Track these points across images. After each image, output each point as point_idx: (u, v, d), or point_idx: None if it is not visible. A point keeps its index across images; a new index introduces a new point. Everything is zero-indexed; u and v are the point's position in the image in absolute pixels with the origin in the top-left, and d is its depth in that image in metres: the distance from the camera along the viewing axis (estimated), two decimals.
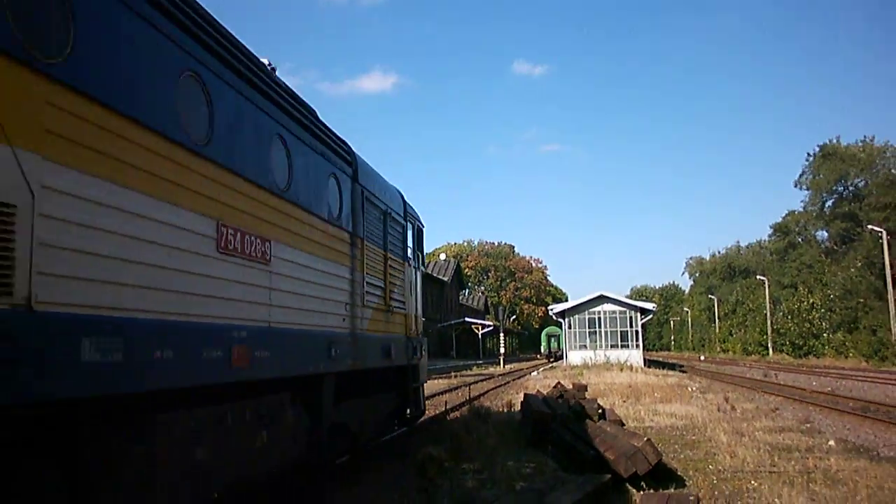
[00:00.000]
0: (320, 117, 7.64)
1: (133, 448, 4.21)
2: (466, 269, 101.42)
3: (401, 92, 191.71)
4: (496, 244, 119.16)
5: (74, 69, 3.61)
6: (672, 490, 7.58)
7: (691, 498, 6.19)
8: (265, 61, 5.42)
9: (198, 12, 4.97)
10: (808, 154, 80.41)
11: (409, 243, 11.50)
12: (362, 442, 9.35)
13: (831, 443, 11.39)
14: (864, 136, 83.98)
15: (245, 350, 5.26)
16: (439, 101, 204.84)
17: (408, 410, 11.43)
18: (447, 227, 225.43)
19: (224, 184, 5.17)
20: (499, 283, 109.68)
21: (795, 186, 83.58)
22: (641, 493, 7.35)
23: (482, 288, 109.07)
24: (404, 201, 11.30)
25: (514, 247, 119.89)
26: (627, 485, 7.92)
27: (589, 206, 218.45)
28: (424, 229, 12.87)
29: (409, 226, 11.54)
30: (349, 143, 8.61)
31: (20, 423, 3.51)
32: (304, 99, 7.13)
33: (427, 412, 14.41)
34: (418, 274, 12.11)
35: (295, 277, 6.39)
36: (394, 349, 9.84)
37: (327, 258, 7.36)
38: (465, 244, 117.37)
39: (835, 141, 77.44)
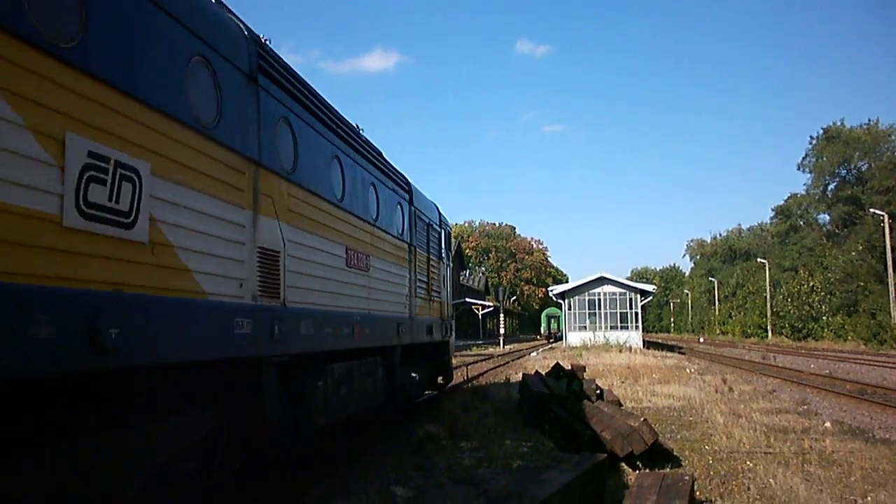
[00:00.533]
0: (387, 157, 10.34)
1: (314, 382, 7.01)
2: (467, 250, 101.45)
3: (402, 71, 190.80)
4: (497, 225, 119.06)
5: (298, 175, 6.61)
6: (668, 469, 7.63)
7: (686, 477, 6.22)
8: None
9: (342, 122, 8.17)
10: (812, 137, 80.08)
11: (442, 245, 14.34)
12: (412, 398, 12.12)
13: (827, 424, 11.44)
14: (869, 119, 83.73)
15: (360, 328, 8.17)
16: (441, 81, 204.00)
17: (440, 378, 14.29)
18: (448, 207, 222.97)
19: (349, 222, 8.10)
20: (499, 263, 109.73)
21: (798, 169, 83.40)
22: (637, 472, 7.40)
23: (483, 269, 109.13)
24: (439, 212, 14.20)
25: (514, 228, 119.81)
26: (624, 464, 7.98)
27: (590, 187, 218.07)
28: (451, 231, 16.17)
29: (443, 231, 14.42)
30: (406, 176, 11.50)
31: (272, 365, 5.99)
32: (373, 142, 9.71)
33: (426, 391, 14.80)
34: (448, 269, 14.88)
35: (380, 279, 9.34)
36: (434, 328, 12.75)
37: (396, 263, 10.34)
38: (466, 225, 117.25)
39: (839, 124, 77.05)
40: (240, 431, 5.68)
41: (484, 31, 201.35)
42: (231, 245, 5.25)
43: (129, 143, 4.06)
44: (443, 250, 14.34)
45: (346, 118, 8.47)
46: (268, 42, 6.02)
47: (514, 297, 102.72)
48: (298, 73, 6.98)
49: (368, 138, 9.48)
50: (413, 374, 11.60)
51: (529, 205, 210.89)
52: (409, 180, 11.63)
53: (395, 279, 10.21)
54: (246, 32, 5.85)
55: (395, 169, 10.71)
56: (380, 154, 9.91)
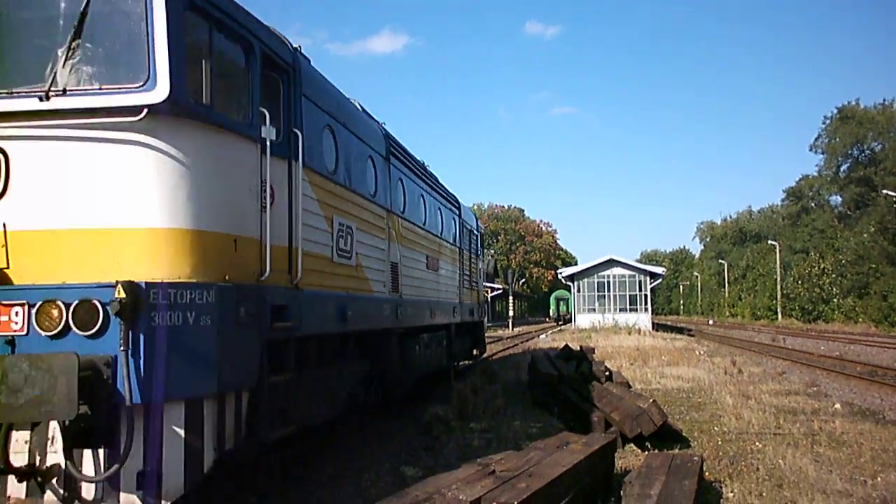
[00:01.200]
0: (442, 181, 13.66)
1: (413, 345, 10.56)
2: None
3: (411, 53, 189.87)
4: (506, 207, 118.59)
5: (405, 212, 10.17)
6: (677, 450, 7.65)
7: (695, 458, 6.23)
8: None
9: (425, 170, 12.07)
10: (826, 117, 79.17)
11: (479, 245, 18.17)
12: (458, 363, 15.78)
13: (837, 406, 11.43)
14: (884, 100, 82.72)
15: (433, 311, 11.72)
16: (450, 62, 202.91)
17: (475, 351, 17.62)
18: (456, 189, 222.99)
19: (428, 239, 11.67)
20: (508, 246, 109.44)
21: (810, 150, 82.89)
22: (646, 453, 7.42)
23: (491, 251, 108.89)
24: (476, 219, 18.12)
25: (523, 210, 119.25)
26: (633, 445, 8.00)
27: (600, 169, 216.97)
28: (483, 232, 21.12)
29: (478, 235, 18.17)
30: (458, 199, 15.15)
31: (396, 334, 9.27)
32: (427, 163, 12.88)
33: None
34: (481, 263, 18.72)
35: (444, 276, 12.88)
36: (474, 311, 16.35)
37: (451, 263, 13.86)
38: (475, 207, 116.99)
39: (854, 104, 76.16)
40: (378, 374, 8.92)
41: (493, 12, 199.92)
42: (380, 262, 8.69)
43: (350, 215, 7.50)
44: (479, 249, 18.36)
45: (426, 165, 12.48)
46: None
47: (523, 280, 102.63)
48: (404, 145, 10.66)
49: (434, 172, 13.15)
50: (459, 345, 15.16)
51: (539, 187, 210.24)
52: (458, 198, 15.28)
53: (451, 275, 13.84)
54: (382, 132, 9.52)
55: (450, 193, 14.52)
56: (441, 184, 13.52)
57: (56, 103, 4.49)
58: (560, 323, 63.63)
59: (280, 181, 5.80)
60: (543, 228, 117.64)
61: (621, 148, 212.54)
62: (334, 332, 7.01)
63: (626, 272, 42.83)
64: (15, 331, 4.36)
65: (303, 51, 6.66)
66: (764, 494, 6.04)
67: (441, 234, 12.81)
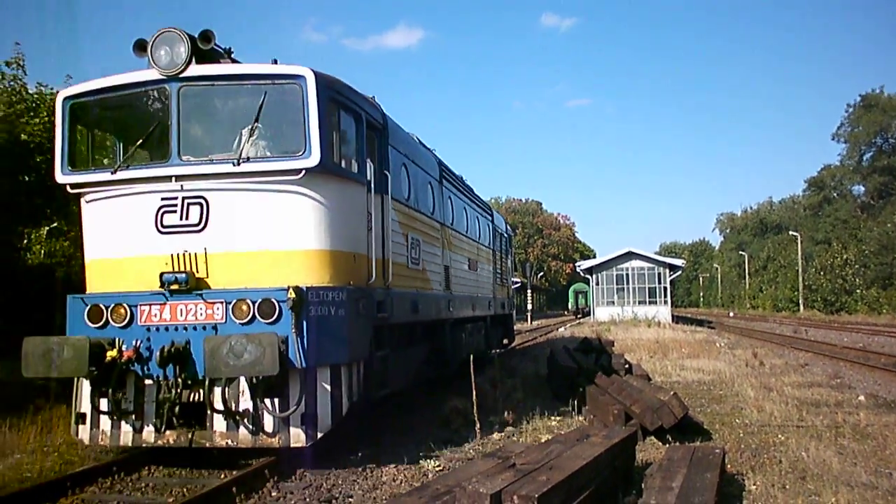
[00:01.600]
0: (483, 198, 16.87)
1: (460, 332, 12.92)
2: None
3: (426, 48, 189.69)
4: (523, 201, 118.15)
5: (453, 224, 12.64)
6: (698, 443, 7.60)
7: (717, 450, 6.18)
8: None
9: (467, 187, 14.51)
10: (849, 105, 77.97)
11: (508, 246, 20.62)
12: (492, 349, 17.72)
13: (861, 398, 11.29)
14: None
15: (474, 304, 13.80)
16: (465, 57, 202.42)
17: (505, 340, 20.05)
18: (474, 183, 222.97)
19: (469, 244, 13.79)
20: (526, 239, 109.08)
21: (833, 139, 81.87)
22: (667, 445, 7.38)
23: None
24: (506, 222, 20.66)
25: (541, 203, 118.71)
26: (653, 438, 7.97)
27: (618, 161, 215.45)
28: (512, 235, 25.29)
29: (508, 237, 20.66)
30: (490, 206, 17.92)
31: (447, 323, 11.84)
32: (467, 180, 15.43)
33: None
34: (510, 261, 21.16)
35: (482, 275, 15.15)
36: (505, 305, 18.68)
37: (487, 263, 16.19)
38: (493, 200, 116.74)
39: (878, 91, 74.95)
40: (436, 354, 11.08)
41: (508, 5, 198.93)
42: (437, 266, 10.94)
43: (418, 231, 9.78)
44: (509, 249, 20.70)
45: (464, 179, 14.55)
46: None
47: (542, 273, 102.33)
48: (450, 167, 12.97)
49: (472, 186, 15.26)
50: (495, 334, 17.89)
51: (556, 180, 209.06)
52: (491, 206, 17.82)
53: (487, 274, 16.14)
54: (436, 160, 11.82)
55: (484, 202, 16.99)
56: (477, 195, 15.75)
57: (243, 167, 6.82)
58: (579, 316, 63.39)
59: (377, 210, 8.06)
60: (561, 221, 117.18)
61: (639, 140, 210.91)
62: (411, 321, 9.46)
63: (646, 264, 42.58)
64: (217, 320, 6.70)
65: (377, 100, 8.92)
66: (787, 487, 5.98)
67: (479, 239, 15.28)
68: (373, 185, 7.79)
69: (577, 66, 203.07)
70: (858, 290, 59.04)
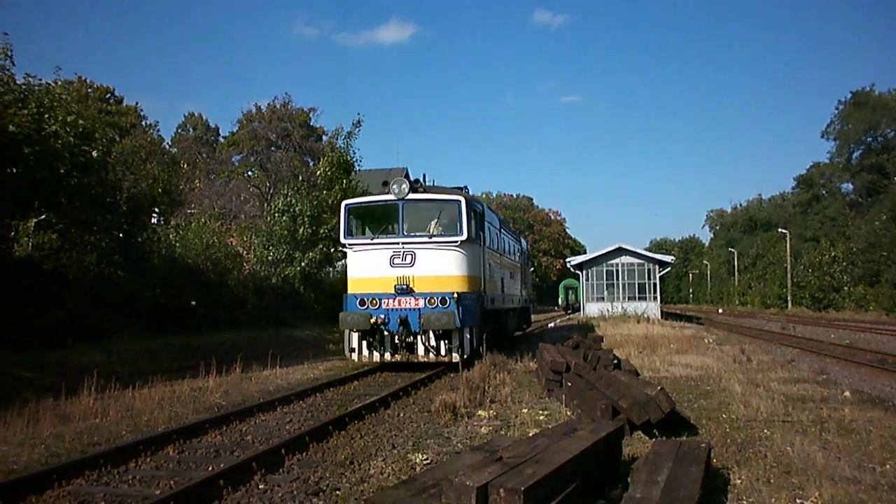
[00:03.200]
0: (509, 226, 27.32)
1: (506, 316, 21.50)
2: None
3: (418, 43, 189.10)
4: (514, 196, 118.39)
5: (498, 249, 20.07)
6: (685, 438, 7.65)
7: (703, 445, 6.22)
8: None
9: (505, 224, 24.70)
10: (839, 101, 78.21)
11: (527, 258, 28.79)
12: (517, 332, 26.03)
13: (846, 394, 11.39)
14: None
15: (512, 300, 22.61)
16: (458, 53, 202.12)
17: (524, 326, 28.77)
18: (465, 178, 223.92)
19: (507, 260, 22.01)
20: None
21: (822, 137, 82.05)
22: (654, 440, 7.42)
23: None
24: (525, 240, 30.48)
25: (532, 199, 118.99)
26: (640, 432, 8.01)
27: (609, 158, 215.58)
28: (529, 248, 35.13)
29: (527, 252, 28.98)
30: (517, 233, 30.67)
31: (507, 312, 21.92)
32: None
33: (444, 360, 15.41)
34: (530, 270, 31.41)
35: (514, 281, 23.78)
36: (526, 299, 27.67)
37: (516, 273, 24.52)
38: (484, 196, 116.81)
39: (868, 89, 75.27)
40: (497, 327, 19.06)
41: (501, 1, 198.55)
42: (498, 278, 19.48)
43: (493, 261, 18.64)
44: (528, 261, 31.00)
45: (504, 220, 23.03)
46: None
47: (532, 269, 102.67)
48: (501, 217, 22.66)
49: (507, 223, 24.08)
50: (519, 320, 26.18)
51: (547, 176, 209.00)
52: (517, 232, 27.23)
53: (517, 280, 24.55)
54: (498, 217, 21.66)
55: (516, 231, 28.02)
56: (511, 229, 24.17)
57: (433, 239, 15.08)
58: (569, 311, 63.58)
59: (481, 255, 16.30)
60: (552, 217, 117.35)
61: (630, 136, 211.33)
62: (491, 309, 17.68)
63: (635, 261, 42.69)
64: (420, 306, 14.51)
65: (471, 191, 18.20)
66: (772, 481, 6.03)
67: (513, 258, 23.69)
68: (480, 244, 16.43)
69: (569, 63, 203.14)
70: (846, 288, 59.44)
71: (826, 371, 14.86)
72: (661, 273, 43.16)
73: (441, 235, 15.08)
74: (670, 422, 8.11)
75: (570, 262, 47.87)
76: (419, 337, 14.65)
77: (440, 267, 14.87)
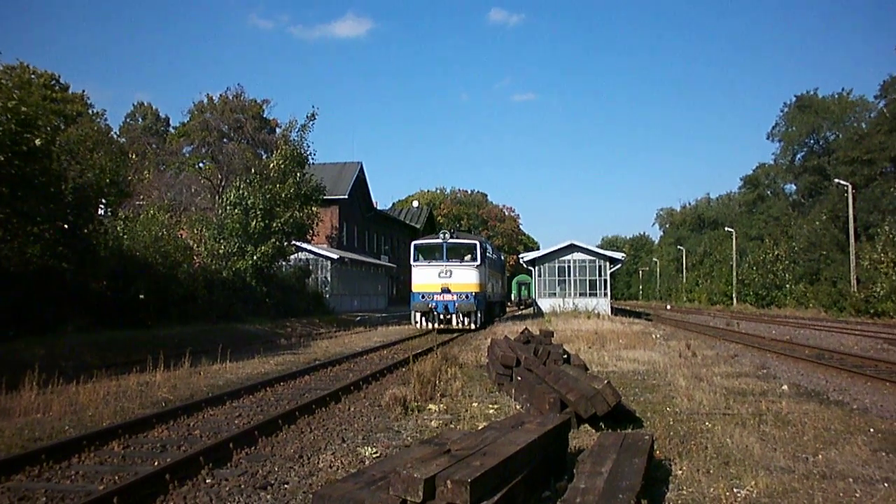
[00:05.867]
0: (492, 245, 41.24)
1: (494, 306, 35.26)
2: (439, 217, 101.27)
3: (375, 39, 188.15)
4: (469, 192, 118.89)
5: (492, 267, 34.34)
6: (629, 430, 7.84)
7: (646, 437, 6.41)
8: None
9: (495, 249, 41.03)
10: (785, 104, 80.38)
11: (503, 266, 44.22)
12: (496, 318, 35.05)
13: (784, 387, 11.80)
14: (843, 89, 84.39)
15: (496, 295, 36.03)
16: (414, 49, 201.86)
17: (501, 313, 39.53)
18: (420, 174, 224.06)
19: (496, 272, 35.81)
20: (471, 231, 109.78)
21: (768, 138, 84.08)
22: (600, 432, 7.59)
23: None
24: (501, 253, 49.85)
25: (486, 195, 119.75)
26: (587, 425, 8.18)
27: (562, 156, 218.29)
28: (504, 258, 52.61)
29: (503, 261, 45.25)
30: (497, 249, 47.92)
31: (495, 303, 36.14)
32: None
33: (394, 357, 16.49)
34: (504, 274, 44.69)
35: (497, 284, 37.15)
36: (503, 296, 42.46)
37: (499, 278, 38.06)
38: (438, 192, 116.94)
39: (812, 93, 77.52)
40: (491, 312, 32.36)
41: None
42: (491, 284, 31.93)
43: (490, 275, 31.63)
44: (503, 267, 43.67)
45: (494, 248, 39.00)
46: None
47: None
48: (492, 246, 37.13)
49: (495, 247, 41.92)
50: (497, 310, 36.35)
51: (502, 172, 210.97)
52: (499, 251, 44.81)
53: (499, 283, 37.88)
54: (491, 244, 36.33)
55: (497, 250, 43.90)
56: (496, 250, 40.98)
57: (462, 263, 27.06)
58: (521, 307, 64.16)
59: (486, 271, 29.07)
60: (506, 213, 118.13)
61: (583, 135, 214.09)
62: (489, 301, 30.47)
63: (587, 257, 43.28)
64: (454, 300, 26.34)
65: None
66: (711, 471, 6.24)
67: (497, 270, 35.66)
68: (484, 265, 28.11)
69: (523, 62, 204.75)
70: (788, 285, 61.32)
71: (766, 366, 15.35)
72: (612, 270, 43.85)
73: (467, 261, 27.12)
74: (616, 415, 8.30)
75: (523, 258, 48.27)
76: (454, 315, 26.33)
77: (465, 278, 26.76)
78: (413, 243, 28.45)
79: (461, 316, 26.09)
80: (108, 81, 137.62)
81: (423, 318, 26.40)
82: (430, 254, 27.37)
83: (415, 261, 27.41)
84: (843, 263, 51.21)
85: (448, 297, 26.12)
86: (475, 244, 27.87)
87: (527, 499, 5.18)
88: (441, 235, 27.69)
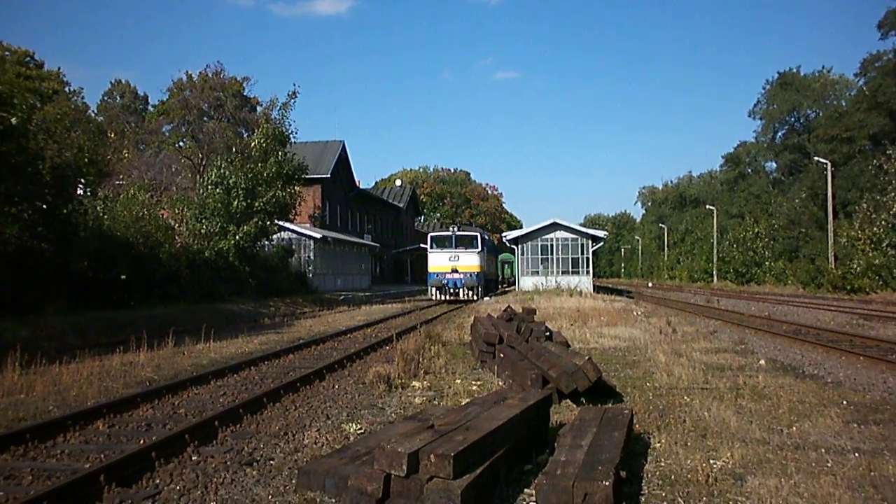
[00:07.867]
0: (486, 233, 48.55)
1: (490, 283, 47.05)
2: (422, 196, 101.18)
3: (356, 16, 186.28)
4: (452, 171, 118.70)
5: (490, 253, 48.44)
6: (609, 405, 7.99)
7: (626, 411, 6.54)
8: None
9: (491, 240, 51.52)
10: (767, 81, 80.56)
11: (495, 249, 56.93)
12: (491, 292, 42.73)
13: (762, 362, 12.03)
14: (823, 67, 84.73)
15: (493, 273, 49.95)
16: (396, 27, 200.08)
17: (495, 288, 49.96)
18: (403, 152, 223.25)
19: (489, 256, 45.05)
20: (454, 209, 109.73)
21: (749, 116, 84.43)
22: (580, 407, 7.73)
23: (438, 214, 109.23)
24: (493, 239, 56.85)
25: (469, 174, 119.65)
26: (569, 400, 8.32)
27: (545, 134, 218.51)
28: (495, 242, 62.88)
29: (495, 245, 57.78)
30: (491, 238, 54.62)
31: (491, 279, 47.81)
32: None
33: (378, 335, 16.50)
34: (496, 256, 58.52)
35: (491, 265, 48.28)
36: (495, 274, 55.40)
37: (493, 261, 51.78)
38: (421, 170, 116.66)
39: (794, 70, 77.79)
40: (487, 290, 39.66)
41: None
42: (489, 265, 43.66)
43: (487, 258, 40.36)
44: (495, 251, 56.79)
45: (490, 237, 49.88)
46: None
47: None
48: (490, 237, 49.85)
49: (489, 237, 49.27)
50: (493, 285, 47.83)
51: (484, 151, 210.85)
52: (492, 238, 56.05)
53: (493, 264, 50.46)
54: (489, 236, 48.75)
55: (491, 238, 52.01)
56: (491, 238, 50.90)
57: (468, 250, 36.02)
58: (504, 286, 64.47)
59: (485, 256, 38.11)
60: (489, 192, 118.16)
61: (566, 113, 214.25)
62: (487, 279, 40.00)
63: (570, 235, 43.47)
64: (462, 278, 35.40)
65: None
66: (688, 444, 6.39)
67: (493, 254, 49.95)
68: (484, 251, 37.21)
69: (506, 40, 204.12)
70: (767, 262, 61.98)
71: (745, 341, 15.60)
72: (595, 248, 44.11)
73: (470, 248, 35.69)
74: (597, 390, 8.45)
75: (505, 236, 48.48)
76: (461, 290, 35.07)
77: (469, 261, 35.36)
78: (430, 235, 38.74)
79: (466, 290, 35.39)
80: (84, 60, 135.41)
81: (438, 292, 35.45)
82: (442, 243, 36.43)
83: (431, 248, 36.51)
84: (822, 241, 51.82)
85: (456, 275, 35.20)
86: (476, 235, 37.19)
87: (509, 472, 5.30)
88: (450, 229, 38.08)
